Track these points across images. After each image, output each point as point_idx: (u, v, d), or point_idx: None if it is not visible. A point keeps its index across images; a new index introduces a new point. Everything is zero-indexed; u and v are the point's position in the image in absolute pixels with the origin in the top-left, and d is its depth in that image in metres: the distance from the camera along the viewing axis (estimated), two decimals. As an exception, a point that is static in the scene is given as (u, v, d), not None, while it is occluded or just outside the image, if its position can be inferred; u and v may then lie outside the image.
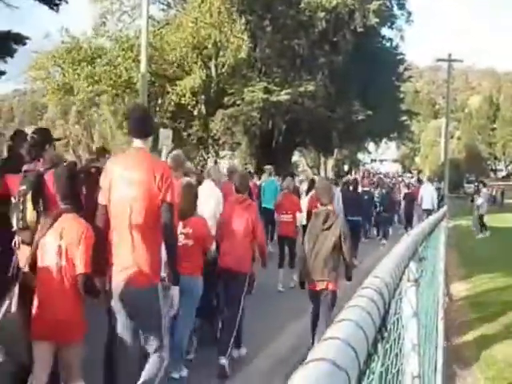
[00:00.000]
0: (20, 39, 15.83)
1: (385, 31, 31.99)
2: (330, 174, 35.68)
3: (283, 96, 23.63)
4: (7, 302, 3.96)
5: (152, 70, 22.65)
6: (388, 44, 31.81)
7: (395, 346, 1.66)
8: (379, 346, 1.19)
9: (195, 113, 24.08)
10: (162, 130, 18.12)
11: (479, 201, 22.59)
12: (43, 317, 3.93)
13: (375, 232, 19.60)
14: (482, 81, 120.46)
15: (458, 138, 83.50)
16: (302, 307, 7.71)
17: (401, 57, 32.63)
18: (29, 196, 4.47)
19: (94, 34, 24.88)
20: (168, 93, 24.00)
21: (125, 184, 4.06)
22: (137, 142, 4.30)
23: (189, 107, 23.70)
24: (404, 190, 22.29)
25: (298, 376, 0.68)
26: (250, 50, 23.86)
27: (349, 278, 6.38)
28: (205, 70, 23.99)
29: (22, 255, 4.50)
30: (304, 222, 10.50)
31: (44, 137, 5.24)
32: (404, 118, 35.67)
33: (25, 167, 4.88)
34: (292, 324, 8.10)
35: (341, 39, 25.81)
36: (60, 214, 4.07)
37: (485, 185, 24.93)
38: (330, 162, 43.68)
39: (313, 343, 6.26)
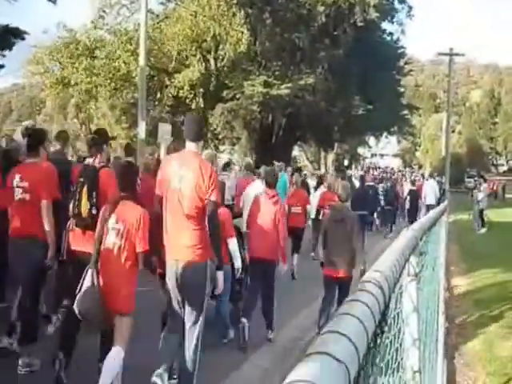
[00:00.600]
0: (19, 33, 15.81)
1: (385, 25, 31.96)
2: (330, 169, 35.64)
3: (283, 90, 23.58)
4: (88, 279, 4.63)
5: (151, 64, 22.61)
6: (389, 38, 31.74)
7: (395, 341, 1.66)
8: (379, 340, 1.19)
9: (193, 106, 24.04)
10: (160, 125, 18.09)
11: (480, 196, 22.59)
12: (106, 291, 4.62)
13: (379, 225, 19.88)
14: (484, 75, 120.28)
15: (459, 132, 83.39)
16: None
17: (401, 51, 32.56)
18: (85, 188, 5.19)
19: (93, 26, 24.81)
20: (167, 87, 23.97)
21: (178, 179, 4.76)
22: (190, 145, 5.00)
23: (187, 101, 23.66)
24: (409, 187, 22.34)
25: (297, 369, 0.68)
26: (249, 44, 23.79)
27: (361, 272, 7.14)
28: (204, 64, 23.94)
29: (74, 237, 5.31)
30: (313, 216, 12.52)
31: (103, 137, 5.99)
32: (405, 112, 35.63)
33: (85, 162, 5.70)
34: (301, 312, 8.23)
35: (341, 33, 25.76)
36: (120, 201, 4.79)
37: (485, 180, 24.90)
38: (330, 157, 43.67)
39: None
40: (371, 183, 18.83)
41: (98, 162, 5.53)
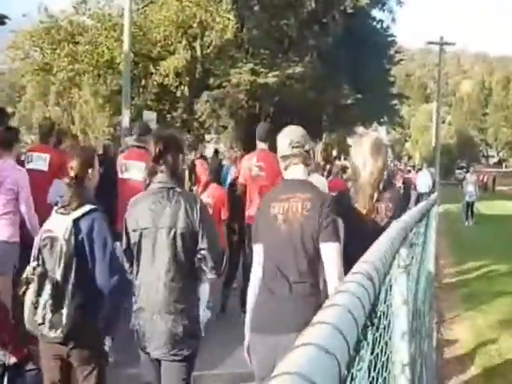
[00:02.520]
0: (-1, 19, 15.60)
1: (375, 13, 31.89)
2: (319, 159, 35.65)
3: (271, 78, 23.53)
4: None
5: (135, 50, 22.45)
6: (379, 26, 31.74)
7: (385, 334, 1.66)
8: (369, 331, 1.19)
9: (178, 94, 23.94)
10: (145, 112, 18.04)
11: (469, 188, 22.72)
12: None
13: None
14: (474, 65, 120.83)
15: (449, 123, 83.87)
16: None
17: (392, 39, 32.57)
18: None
19: (75, 11, 24.58)
20: (152, 74, 23.83)
21: (256, 171, 6.83)
22: (261, 145, 6.98)
23: (172, 88, 23.56)
24: (403, 176, 22.75)
25: (286, 360, 0.67)
26: (236, 31, 23.69)
27: None
28: (189, 51, 23.82)
29: None
30: None
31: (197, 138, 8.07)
32: (394, 102, 35.68)
33: None
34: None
35: (330, 20, 25.70)
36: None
37: (467, 171, 25.06)
38: (319, 147, 43.67)
39: None
40: None
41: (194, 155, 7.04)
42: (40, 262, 3.53)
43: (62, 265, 3.42)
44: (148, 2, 25.48)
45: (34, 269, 3.51)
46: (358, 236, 3.06)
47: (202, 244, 3.52)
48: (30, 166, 6.21)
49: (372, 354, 1.38)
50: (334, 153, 49.47)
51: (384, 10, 30.95)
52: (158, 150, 3.56)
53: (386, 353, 1.68)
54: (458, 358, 7.09)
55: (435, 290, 8.49)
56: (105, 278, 3.50)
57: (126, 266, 3.68)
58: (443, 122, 68.55)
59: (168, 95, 24.73)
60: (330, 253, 3.21)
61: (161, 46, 23.99)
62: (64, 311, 3.44)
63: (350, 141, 56.06)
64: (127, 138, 8.46)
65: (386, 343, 1.70)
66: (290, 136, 3.55)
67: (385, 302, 1.66)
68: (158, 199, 3.53)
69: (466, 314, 9.00)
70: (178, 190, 3.58)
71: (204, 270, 3.62)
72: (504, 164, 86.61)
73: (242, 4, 24.21)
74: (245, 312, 3.71)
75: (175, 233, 3.47)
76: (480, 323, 8.37)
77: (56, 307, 3.44)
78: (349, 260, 2.91)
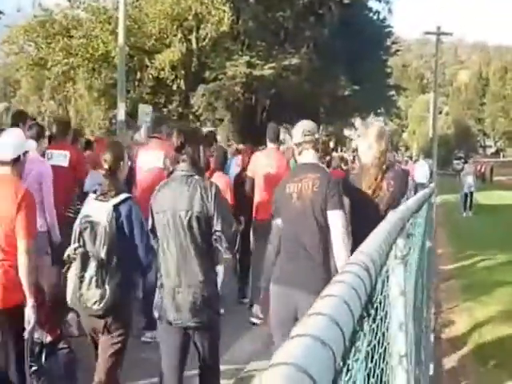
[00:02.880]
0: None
1: (372, 3, 31.88)
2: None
3: (267, 70, 23.48)
4: None
5: (130, 43, 22.38)
6: (375, 17, 31.65)
7: (382, 325, 1.67)
8: (365, 323, 1.19)
9: (174, 87, 23.88)
10: (141, 106, 17.95)
11: (469, 179, 22.75)
12: None
13: None
14: (472, 55, 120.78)
15: (446, 113, 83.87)
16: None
17: (388, 30, 32.49)
18: None
19: (70, 5, 24.49)
20: (147, 67, 23.77)
21: (267, 167, 7.53)
22: (271, 144, 7.93)
23: (167, 81, 23.50)
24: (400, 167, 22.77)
25: (281, 351, 0.68)
26: (232, 23, 23.61)
27: None
28: (185, 44, 23.75)
29: None
30: None
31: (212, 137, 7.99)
32: (391, 93, 35.63)
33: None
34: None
35: (326, 11, 25.62)
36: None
37: (466, 161, 25.07)
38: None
39: None
40: None
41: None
42: (81, 243, 4.04)
43: (106, 245, 3.97)
44: (143, -6, 25.38)
45: (76, 249, 4.03)
46: (363, 214, 4.04)
47: (217, 226, 3.97)
48: (51, 162, 6.52)
49: (369, 345, 1.38)
50: (332, 144, 49.50)
51: (380, 1, 30.85)
52: (179, 142, 4.11)
53: (383, 344, 1.68)
54: (457, 348, 7.11)
55: (433, 280, 8.51)
56: (144, 255, 4.14)
57: (154, 243, 4.16)
58: (440, 112, 68.55)
59: (164, 88, 24.66)
60: (336, 219, 4.05)
61: (156, 39, 23.93)
62: (107, 286, 3.97)
63: (347, 132, 56.15)
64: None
65: (384, 334, 1.71)
66: (302, 126, 4.43)
67: (382, 293, 1.66)
68: (178, 185, 4.04)
69: (465, 304, 9.03)
70: (197, 177, 4.06)
71: (220, 250, 4.17)
72: (501, 154, 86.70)
73: (238, -4, 24.13)
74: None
75: (191, 215, 3.94)
76: (479, 313, 8.40)
77: (100, 282, 3.97)
78: (355, 237, 3.95)
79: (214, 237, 4.01)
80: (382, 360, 1.65)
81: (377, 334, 1.53)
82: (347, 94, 26.62)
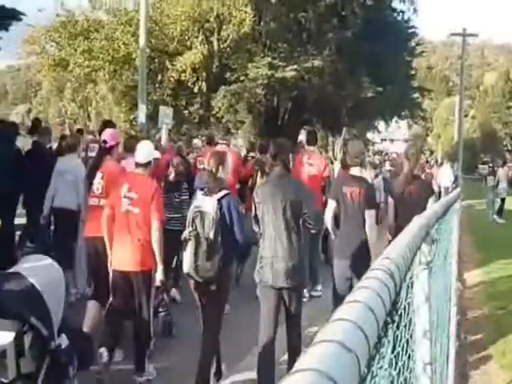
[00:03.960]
0: (15, 15, 15.66)
1: (396, 4, 31.57)
2: (338, 155, 35.51)
3: (289, 72, 23.46)
4: None
5: (151, 45, 22.52)
6: (399, 17, 31.43)
7: (406, 332, 1.66)
8: (390, 330, 1.19)
9: (195, 90, 23.96)
10: (161, 108, 18.01)
11: (503, 183, 22.47)
12: None
13: None
14: (499, 56, 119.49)
15: (472, 116, 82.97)
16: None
17: (413, 31, 32.25)
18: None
19: (91, 6, 24.71)
20: (168, 69, 23.89)
21: (307, 166, 9.33)
22: (311, 148, 9.74)
23: (189, 83, 23.59)
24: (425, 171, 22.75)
25: (305, 357, 0.68)
26: (253, 24, 23.65)
27: None
28: (206, 45, 23.84)
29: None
30: None
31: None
32: (416, 95, 35.37)
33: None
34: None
35: (349, 13, 25.54)
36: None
37: (504, 163, 24.63)
38: (339, 142, 43.43)
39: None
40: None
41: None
42: (193, 228, 5.42)
43: (213, 228, 5.32)
44: (164, -4, 25.52)
45: (190, 232, 5.43)
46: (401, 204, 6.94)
47: (305, 210, 5.51)
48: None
49: (393, 352, 1.38)
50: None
51: (405, 1, 30.64)
52: (274, 152, 5.84)
53: (407, 351, 1.67)
54: (481, 357, 7.04)
55: (458, 287, 8.44)
56: (240, 236, 5.49)
57: (255, 227, 5.71)
58: (466, 115, 67.86)
59: (185, 90, 24.76)
60: (368, 215, 6.41)
61: (177, 40, 24.03)
62: (215, 259, 5.33)
63: (370, 136, 55.88)
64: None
65: (408, 341, 1.70)
66: (354, 150, 6.90)
67: (406, 300, 1.65)
68: (275, 182, 5.72)
69: (491, 312, 8.93)
70: (288, 176, 5.84)
71: (308, 227, 5.73)
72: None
73: (260, -3, 24.15)
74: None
75: (286, 204, 5.45)
76: (505, 322, 8.31)
77: (209, 257, 5.34)
78: (400, 218, 6.71)
79: (303, 217, 5.52)
80: (405, 368, 1.64)
81: (401, 341, 1.52)
82: (370, 96, 26.46)
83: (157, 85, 24.60)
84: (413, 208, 6.88)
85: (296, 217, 5.47)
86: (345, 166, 10.28)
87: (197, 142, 17.50)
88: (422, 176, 11.25)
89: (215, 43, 24.21)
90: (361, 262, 5.83)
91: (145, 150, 6.20)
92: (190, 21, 23.68)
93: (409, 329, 1.74)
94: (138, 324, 5.95)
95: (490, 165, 33.85)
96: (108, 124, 9.30)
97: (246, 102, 25.75)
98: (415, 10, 31.12)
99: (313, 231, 6.39)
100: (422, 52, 38.18)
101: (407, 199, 6.94)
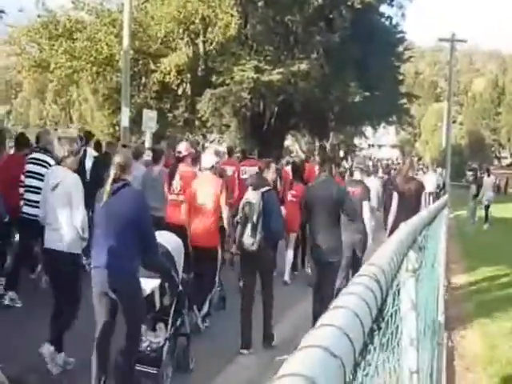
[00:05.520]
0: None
1: (384, 8, 31.71)
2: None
3: (275, 76, 23.47)
4: None
5: (135, 47, 22.46)
6: (387, 22, 31.56)
7: (392, 340, 1.66)
8: (376, 336, 1.19)
9: (180, 92, 23.91)
10: (145, 111, 17.98)
11: (488, 191, 22.76)
12: None
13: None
14: (487, 63, 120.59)
15: (460, 123, 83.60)
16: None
17: (401, 36, 32.40)
18: None
19: (73, 7, 24.59)
20: (152, 71, 23.83)
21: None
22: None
23: (173, 86, 23.54)
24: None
25: (289, 363, 0.68)
26: (239, 27, 23.65)
27: None
28: (191, 47, 23.80)
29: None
30: None
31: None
32: (404, 100, 35.53)
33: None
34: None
35: (337, 16, 25.60)
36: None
37: (489, 174, 24.95)
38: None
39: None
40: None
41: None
42: (242, 214, 7.20)
43: (256, 215, 7.03)
44: (149, -3, 25.47)
45: (241, 217, 7.23)
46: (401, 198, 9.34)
47: (344, 207, 7.55)
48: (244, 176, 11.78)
49: (379, 359, 1.38)
50: (342, 153, 49.45)
51: (393, 6, 30.81)
52: (321, 161, 8.44)
53: (393, 359, 1.68)
54: (469, 365, 7.07)
55: (446, 295, 8.47)
56: (278, 223, 7.24)
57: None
58: (454, 121, 68.26)
59: (169, 93, 24.72)
60: (365, 206, 9.02)
61: (161, 42, 23.99)
62: (257, 236, 7.03)
63: (357, 141, 56.07)
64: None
65: (394, 349, 1.71)
66: (358, 161, 11.31)
67: (393, 307, 1.66)
68: (322, 184, 7.77)
69: (478, 320, 8.98)
70: (332, 180, 8.01)
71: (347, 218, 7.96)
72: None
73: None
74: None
75: (329, 201, 7.49)
76: (492, 330, 8.36)
77: (254, 233, 7.04)
78: (401, 206, 9.30)
79: (342, 211, 7.58)
80: (392, 375, 1.65)
81: (387, 348, 1.53)
82: (357, 101, 26.51)
83: (140, 87, 24.54)
84: (411, 200, 9.44)
85: (336, 211, 7.56)
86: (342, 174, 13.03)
87: (182, 145, 17.43)
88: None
89: (200, 45, 24.16)
90: (359, 233, 8.97)
91: (208, 158, 8.57)
92: (175, 22, 23.63)
93: (395, 337, 1.75)
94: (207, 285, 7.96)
95: (472, 173, 34.09)
96: (89, 135, 10.92)
97: (231, 106, 25.72)
98: (403, 15, 31.31)
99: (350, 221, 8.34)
100: (410, 57, 38.41)
101: (407, 194, 9.35)
